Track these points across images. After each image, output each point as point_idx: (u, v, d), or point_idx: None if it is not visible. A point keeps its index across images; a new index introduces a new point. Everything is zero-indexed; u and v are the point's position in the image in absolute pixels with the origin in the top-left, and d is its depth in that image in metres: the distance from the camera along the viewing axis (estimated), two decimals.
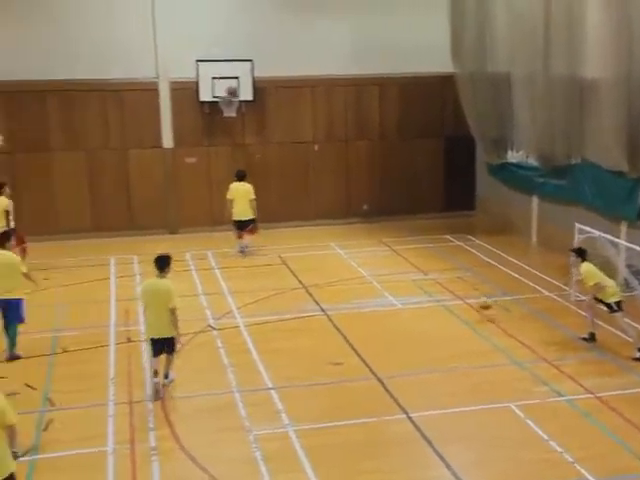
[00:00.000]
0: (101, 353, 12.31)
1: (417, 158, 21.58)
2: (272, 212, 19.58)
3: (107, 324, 13.63)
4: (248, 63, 19.62)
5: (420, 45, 19.86)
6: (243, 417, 10.04)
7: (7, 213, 15.93)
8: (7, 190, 16.27)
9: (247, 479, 8.59)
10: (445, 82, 20.17)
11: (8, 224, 15.76)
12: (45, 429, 9.75)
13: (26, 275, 12.11)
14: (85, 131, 19.75)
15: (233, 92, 19.59)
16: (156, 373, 10.73)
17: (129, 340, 12.83)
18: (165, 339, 10.71)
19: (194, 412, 10.32)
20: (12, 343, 12.08)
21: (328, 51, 20.32)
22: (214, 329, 13.32)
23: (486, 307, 13.90)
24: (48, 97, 19.36)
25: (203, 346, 12.49)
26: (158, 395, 10.64)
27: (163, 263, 10.69)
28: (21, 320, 12.11)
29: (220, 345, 12.61)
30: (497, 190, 20.33)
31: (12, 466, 7.24)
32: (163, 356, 10.86)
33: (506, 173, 19.71)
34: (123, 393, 10.79)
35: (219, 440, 9.49)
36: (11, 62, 18.68)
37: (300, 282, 15.94)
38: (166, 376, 10.92)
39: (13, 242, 12.52)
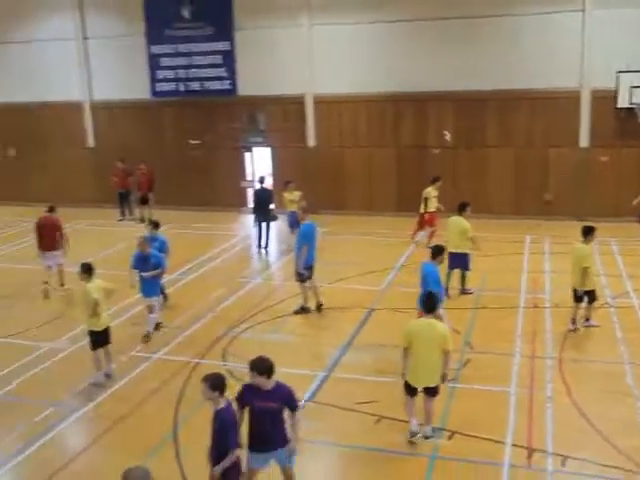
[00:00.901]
0: (512, 313, 12.48)
1: None
2: None
3: (518, 290, 13.71)
4: None
5: None
6: (631, 386, 9.49)
7: (426, 200, 16.86)
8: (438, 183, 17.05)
9: (626, 439, 8.15)
10: None
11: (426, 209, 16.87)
12: (464, 365, 10.30)
13: (472, 239, 13.23)
14: (514, 132, 19.78)
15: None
16: (573, 320, 11.43)
17: (535, 306, 12.80)
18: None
19: (587, 374, 10.03)
20: (462, 282, 13.54)
21: None
22: (611, 306, 12.62)
23: None
24: (487, 103, 19.78)
25: (600, 320, 11.88)
26: (575, 326, 11.38)
27: (587, 232, 11.29)
28: (466, 268, 13.43)
29: (615, 320, 11.93)
30: None
31: (438, 380, 8.06)
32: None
33: None
34: (527, 349, 10.87)
35: (607, 401, 9.14)
36: (463, 77, 19.46)
37: None
38: (587, 319, 11.51)
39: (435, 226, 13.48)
